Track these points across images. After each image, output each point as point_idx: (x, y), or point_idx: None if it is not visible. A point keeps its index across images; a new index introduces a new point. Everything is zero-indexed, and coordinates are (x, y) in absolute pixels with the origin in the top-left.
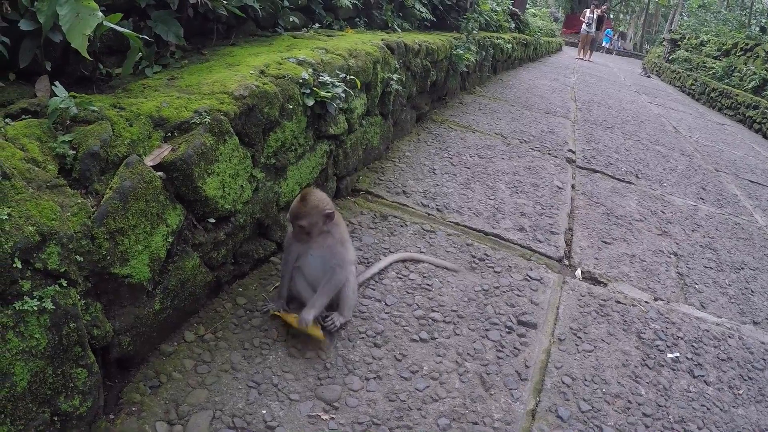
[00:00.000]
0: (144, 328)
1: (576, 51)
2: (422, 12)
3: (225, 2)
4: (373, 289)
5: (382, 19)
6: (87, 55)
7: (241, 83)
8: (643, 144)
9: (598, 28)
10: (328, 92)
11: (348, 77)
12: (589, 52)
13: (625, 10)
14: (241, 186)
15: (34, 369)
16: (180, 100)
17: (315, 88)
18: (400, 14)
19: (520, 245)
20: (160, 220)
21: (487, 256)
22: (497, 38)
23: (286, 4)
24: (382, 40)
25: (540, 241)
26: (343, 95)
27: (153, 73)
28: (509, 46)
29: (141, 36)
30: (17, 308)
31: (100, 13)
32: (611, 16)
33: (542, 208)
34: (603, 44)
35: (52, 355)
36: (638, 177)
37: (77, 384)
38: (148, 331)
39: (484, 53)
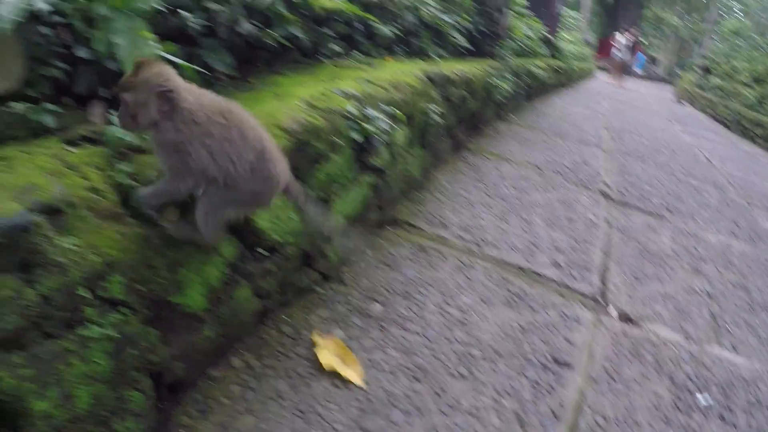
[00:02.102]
0: (195, 354)
1: (608, 76)
2: (458, 40)
3: (272, 32)
4: (414, 323)
5: (420, 47)
6: None
7: (291, 117)
8: (675, 176)
9: (629, 53)
10: (373, 126)
11: (391, 110)
12: (621, 77)
13: (657, 35)
14: (290, 218)
15: (94, 392)
16: None
17: (361, 122)
18: (437, 42)
19: (556, 282)
20: (215, 250)
21: (524, 292)
22: (531, 65)
23: (329, 32)
24: (423, 70)
25: (575, 278)
26: (388, 129)
27: None
28: (543, 73)
29: (194, 67)
30: (82, 334)
31: (155, 44)
32: (643, 40)
33: (577, 243)
34: (635, 69)
35: (111, 379)
36: (671, 211)
37: (132, 407)
38: (199, 357)
39: (518, 81)
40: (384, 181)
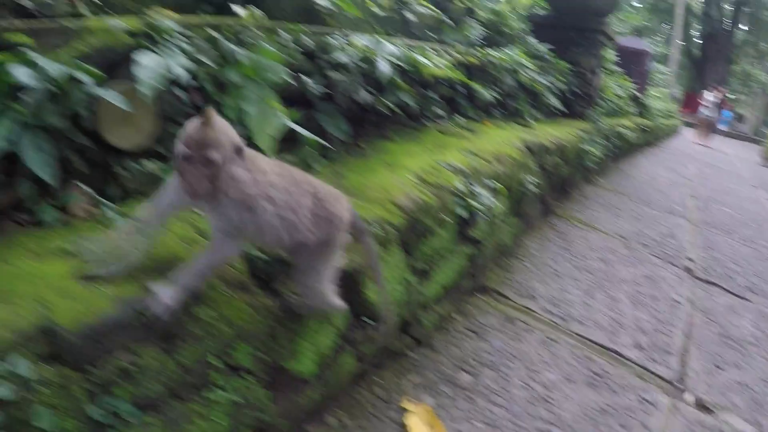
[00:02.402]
0: (297, 411)
1: (694, 133)
2: (552, 101)
3: (385, 99)
4: (500, 396)
5: (516, 108)
6: (273, 155)
7: (405, 193)
8: (760, 252)
9: (717, 111)
10: (478, 203)
11: (494, 184)
12: (707, 136)
13: (745, 91)
14: (395, 289)
15: None
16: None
17: (467, 199)
18: (532, 103)
19: (637, 364)
20: (328, 321)
21: (606, 372)
22: (620, 126)
23: (433, 95)
24: (522, 140)
25: (656, 361)
26: (491, 205)
27: (317, 164)
28: (631, 133)
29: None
30: (207, 397)
31: (283, 115)
32: (730, 96)
33: (659, 324)
34: (720, 127)
35: None
36: (755, 293)
37: None
38: (299, 414)
39: (607, 144)
40: (479, 250)
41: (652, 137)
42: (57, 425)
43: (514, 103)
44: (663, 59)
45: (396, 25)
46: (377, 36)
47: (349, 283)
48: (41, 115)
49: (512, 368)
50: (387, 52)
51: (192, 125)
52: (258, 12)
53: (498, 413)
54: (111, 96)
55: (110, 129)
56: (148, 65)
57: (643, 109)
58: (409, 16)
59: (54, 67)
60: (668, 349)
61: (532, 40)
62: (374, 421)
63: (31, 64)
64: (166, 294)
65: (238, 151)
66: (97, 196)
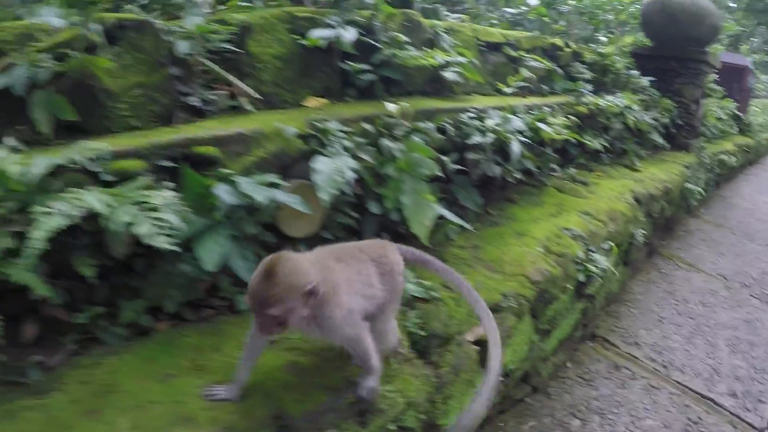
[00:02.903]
0: None
1: None
2: (656, 137)
3: (511, 168)
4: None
5: (623, 150)
6: (427, 242)
7: (534, 266)
8: None
9: None
10: (595, 267)
11: (608, 245)
12: None
13: None
14: (521, 349)
15: None
16: (490, 281)
17: (585, 264)
18: (638, 141)
19: (730, 412)
20: (472, 384)
21: (701, 419)
22: (722, 153)
23: (548, 152)
24: (631, 191)
25: (748, 410)
26: (606, 267)
27: (455, 235)
28: (732, 159)
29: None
30: None
31: (435, 205)
32: None
33: (755, 372)
34: None
35: None
36: None
37: None
38: None
39: (709, 175)
40: (591, 304)
41: (753, 156)
42: None
43: (622, 144)
44: (762, 66)
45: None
46: (505, 114)
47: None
48: (242, 227)
49: (617, 414)
50: (514, 127)
51: (256, 278)
52: (406, 104)
53: None
54: (295, 202)
55: (288, 223)
56: (324, 171)
57: (744, 128)
58: (524, 71)
59: (255, 189)
60: (761, 398)
61: (635, 74)
62: None
63: (231, 182)
64: (370, 382)
65: (309, 294)
66: None
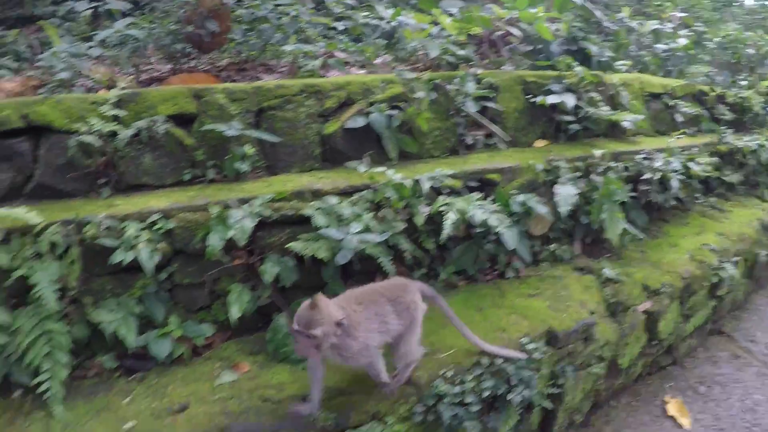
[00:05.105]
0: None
1: None
2: None
3: (668, 197)
4: (723, 403)
5: (756, 181)
6: (617, 245)
7: (683, 267)
8: None
9: None
10: (725, 273)
11: (736, 259)
12: None
13: None
14: (668, 325)
15: None
16: (654, 274)
17: (718, 271)
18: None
19: None
20: (639, 340)
21: None
22: None
23: (696, 184)
24: (759, 219)
25: None
26: (733, 275)
27: (629, 243)
28: None
29: (639, 233)
30: None
31: (624, 221)
32: None
33: None
34: None
35: None
36: None
37: None
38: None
39: None
40: (720, 304)
41: None
42: None
43: (756, 178)
44: None
45: (668, 125)
46: (669, 156)
47: (652, 321)
48: (521, 225)
49: (734, 387)
50: (672, 168)
51: (302, 307)
52: (606, 151)
53: (721, 413)
54: (547, 212)
55: (533, 225)
56: (562, 193)
57: None
58: (677, 116)
59: (534, 203)
60: None
61: None
62: (648, 406)
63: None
64: (385, 388)
65: (338, 325)
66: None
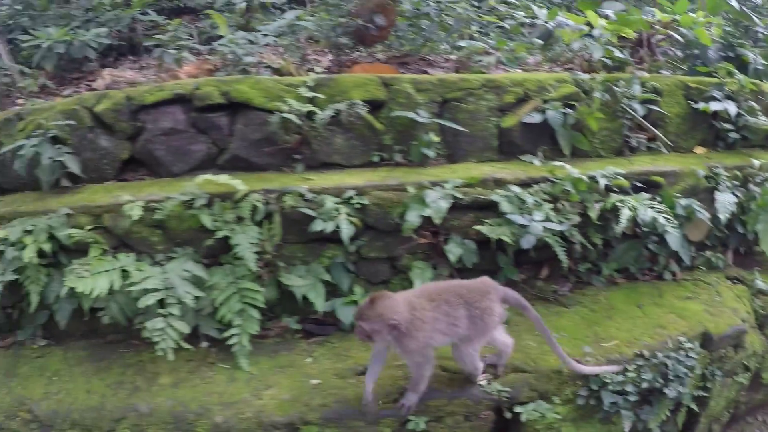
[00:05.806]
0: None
1: None
2: None
3: None
4: None
5: None
6: None
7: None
8: None
9: None
10: None
11: None
12: None
13: None
14: None
15: None
16: None
17: None
18: None
19: None
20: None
21: None
22: None
23: None
24: None
25: None
26: None
27: None
28: None
29: None
30: None
31: None
32: None
33: None
34: None
35: None
36: None
37: None
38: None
39: None
40: None
41: None
42: None
43: None
44: None
45: None
46: None
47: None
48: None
49: None
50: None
51: (365, 300)
52: (765, 162)
53: None
54: (707, 217)
55: (691, 231)
56: (721, 200)
57: None
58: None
59: (697, 207)
60: None
61: None
62: None
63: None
64: (413, 397)
65: (392, 327)
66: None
